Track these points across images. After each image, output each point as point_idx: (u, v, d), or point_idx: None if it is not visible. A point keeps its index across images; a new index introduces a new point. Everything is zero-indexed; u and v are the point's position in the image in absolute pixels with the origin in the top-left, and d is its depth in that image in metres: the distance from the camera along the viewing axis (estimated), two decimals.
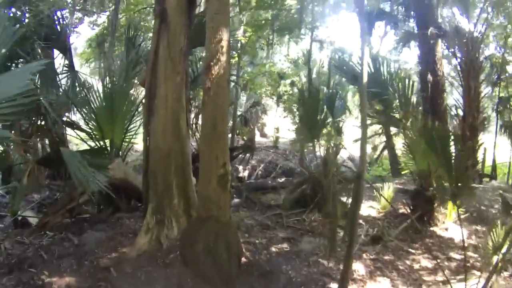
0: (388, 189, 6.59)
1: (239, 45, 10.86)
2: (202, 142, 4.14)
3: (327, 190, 5.05)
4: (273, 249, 4.76)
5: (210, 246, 3.77)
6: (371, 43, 14.58)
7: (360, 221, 5.52)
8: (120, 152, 6.27)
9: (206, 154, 3.93)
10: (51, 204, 6.11)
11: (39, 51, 5.65)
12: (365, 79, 3.33)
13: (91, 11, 11.06)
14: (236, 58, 10.74)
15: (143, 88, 5.05)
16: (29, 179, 4.59)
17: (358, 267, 4.41)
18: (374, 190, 6.76)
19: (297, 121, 7.56)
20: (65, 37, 6.10)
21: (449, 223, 5.76)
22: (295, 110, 11.32)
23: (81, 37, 12.18)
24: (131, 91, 6.46)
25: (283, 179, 8.79)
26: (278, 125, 16.03)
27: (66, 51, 6.07)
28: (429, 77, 6.97)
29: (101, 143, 5.94)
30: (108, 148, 5.86)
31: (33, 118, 5.37)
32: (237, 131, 11.73)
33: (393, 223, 5.88)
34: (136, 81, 6.42)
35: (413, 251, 5.00)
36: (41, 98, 5.04)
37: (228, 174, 4.00)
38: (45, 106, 5.09)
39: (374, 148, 14.79)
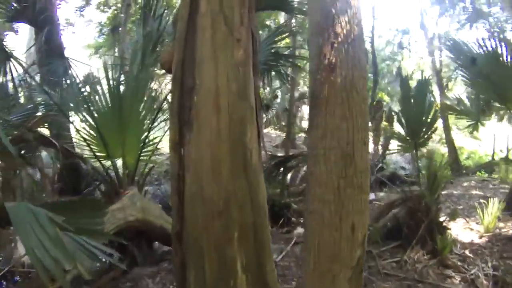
0: (493, 205, 4.91)
1: None
2: (314, 188, 2.19)
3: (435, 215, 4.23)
4: None
5: None
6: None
7: (466, 252, 4.38)
8: (136, 177, 4.21)
9: (325, 215, 2.04)
10: None
11: None
12: None
13: None
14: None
15: (169, 77, 2.94)
16: None
17: None
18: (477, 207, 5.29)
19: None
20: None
21: None
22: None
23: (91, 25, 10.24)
24: (151, 85, 4.37)
25: None
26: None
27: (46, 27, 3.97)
28: None
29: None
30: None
31: None
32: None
33: (506, 252, 4.44)
34: (157, 69, 4.29)
35: None
36: None
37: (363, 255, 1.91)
38: None
39: None
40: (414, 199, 4.39)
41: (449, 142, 12.72)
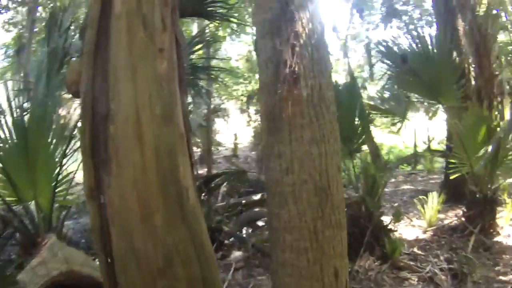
0: (432, 200, 4.96)
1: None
2: (282, 235, 1.86)
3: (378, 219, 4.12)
4: None
5: None
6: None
7: (415, 249, 4.38)
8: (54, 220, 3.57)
9: (302, 266, 1.73)
10: None
11: None
12: None
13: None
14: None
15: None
16: None
17: None
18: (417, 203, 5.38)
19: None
20: None
21: (508, 228, 4.61)
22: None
23: None
24: (60, 111, 3.74)
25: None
26: (236, 131, 14.47)
27: None
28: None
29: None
30: None
31: None
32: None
33: (454, 243, 4.53)
34: (65, 93, 3.66)
35: (505, 278, 3.69)
36: None
37: None
38: None
39: None
40: (353, 206, 4.21)
41: (370, 140, 13.06)
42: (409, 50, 4.24)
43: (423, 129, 11.68)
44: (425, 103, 9.93)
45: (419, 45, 4.21)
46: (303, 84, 1.68)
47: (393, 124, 5.97)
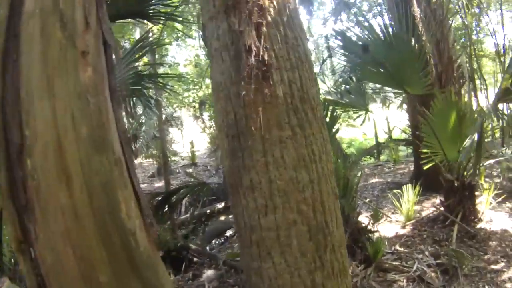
0: (407, 193, 4.77)
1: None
2: None
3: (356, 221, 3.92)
4: None
5: None
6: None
7: (397, 247, 4.16)
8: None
9: None
10: None
11: None
12: None
13: None
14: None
15: None
16: None
17: None
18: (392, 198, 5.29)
19: None
20: None
21: (488, 212, 4.51)
22: None
23: None
24: None
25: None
26: (192, 139, 13.82)
27: None
28: None
29: None
30: None
31: None
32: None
33: (437, 235, 4.31)
34: None
35: (497, 267, 3.53)
36: None
37: None
38: None
39: None
40: None
41: (334, 139, 12.96)
42: (370, 39, 4.02)
43: (381, 120, 11.72)
44: (381, 94, 9.96)
45: (380, 34, 3.99)
46: (277, 79, 1.18)
47: (357, 117, 5.77)
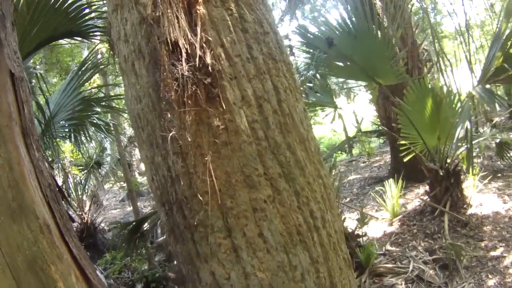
0: (390, 188, 4.55)
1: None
2: None
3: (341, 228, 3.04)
4: None
5: None
6: None
7: (388, 247, 3.96)
8: None
9: None
10: None
11: None
12: None
13: None
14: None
15: None
16: None
17: None
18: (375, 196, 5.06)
19: None
20: None
21: (476, 196, 4.37)
22: None
23: None
24: None
25: None
26: None
27: None
28: None
29: None
30: None
31: None
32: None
33: (427, 228, 4.11)
34: None
35: (497, 253, 3.36)
36: None
37: None
38: None
39: None
40: None
41: None
42: (333, 32, 3.78)
43: (348, 113, 11.64)
44: (345, 87, 9.85)
45: (343, 26, 3.75)
46: (233, 98, 0.68)
47: (326, 116, 5.54)
